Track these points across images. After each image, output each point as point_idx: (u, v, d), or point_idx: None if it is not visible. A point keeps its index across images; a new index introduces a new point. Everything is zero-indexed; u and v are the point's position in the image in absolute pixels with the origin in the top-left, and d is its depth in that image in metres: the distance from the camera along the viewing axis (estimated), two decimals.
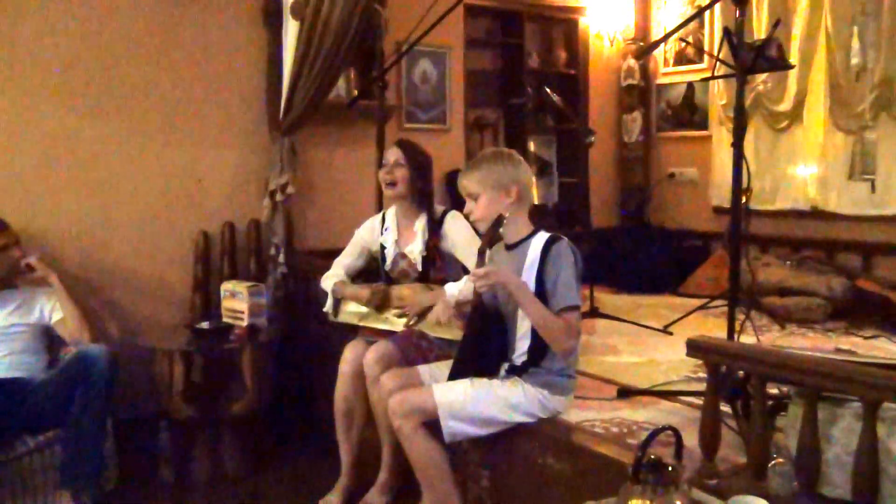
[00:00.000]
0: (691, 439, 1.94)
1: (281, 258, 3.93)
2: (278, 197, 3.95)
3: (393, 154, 3.02)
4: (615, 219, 5.80)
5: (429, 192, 3.04)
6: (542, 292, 2.31)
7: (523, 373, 2.40)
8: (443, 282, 2.88)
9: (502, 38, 5.30)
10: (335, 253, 3.28)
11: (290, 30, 3.83)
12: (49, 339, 3.09)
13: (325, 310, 3.16)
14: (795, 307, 3.98)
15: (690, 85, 5.44)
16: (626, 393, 2.75)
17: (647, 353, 3.38)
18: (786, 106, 4.74)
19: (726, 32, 2.67)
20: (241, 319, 3.46)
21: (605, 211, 5.68)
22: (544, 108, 5.45)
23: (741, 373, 2.08)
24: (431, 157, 3.09)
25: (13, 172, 3.50)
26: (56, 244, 3.56)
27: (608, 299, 4.54)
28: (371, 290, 2.99)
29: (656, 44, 3.95)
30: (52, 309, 3.05)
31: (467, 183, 2.43)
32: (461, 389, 2.39)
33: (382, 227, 3.13)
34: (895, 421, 1.70)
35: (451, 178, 4.58)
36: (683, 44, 5.32)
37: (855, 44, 4.21)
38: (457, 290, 2.74)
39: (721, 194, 5.06)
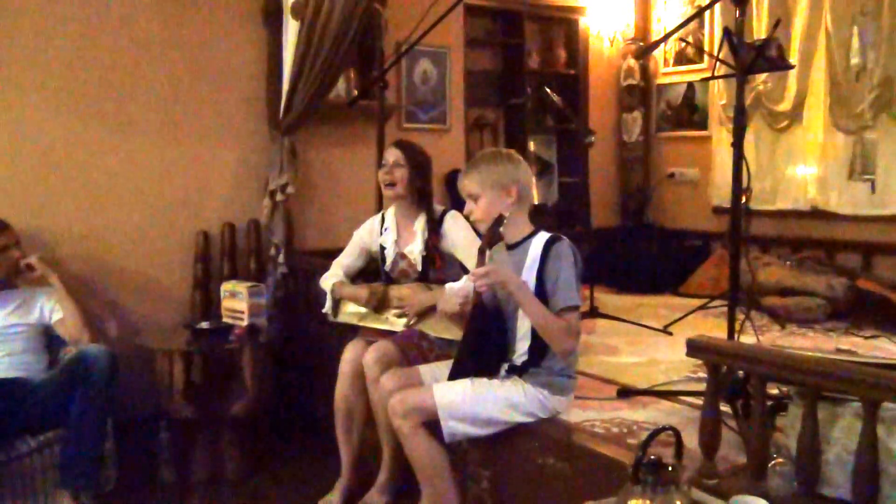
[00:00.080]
0: (691, 439, 1.94)
1: (281, 258, 3.93)
2: (278, 197, 3.95)
3: (392, 154, 3.02)
4: (615, 219, 5.80)
5: (428, 193, 3.04)
6: (542, 292, 2.31)
7: (523, 373, 2.40)
8: (442, 282, 2.88)
9: (502, 38, 5.30)
10: (335, 253, 3.29)
11: (290, 30, 3.83)
12: (49, 339, 3.09)
13: (324, 310, 3.16)
14: (795, 307, 3.98)
15: (690, 85, 5.44)
16: (626, 393, 2.75)
17: (647, 353, 3.38)
18: (786, 106, 4.74)
19: (726, 32, 2.67)
20: (241, 319, 3.46)
21: (605, 211, 5.68)
22: (544, 108, 5.45)
23: (741, 373, 2.08)
24: (430, 157, 3.09)
25: (13, 172, 3.50)
26: (56, 244, 3.56)
27: (608, 299, 4.54)
28: (370, 291, 2.99)
29: (656, 44, 3.96)
30: (52, 309, 3.04)
31: (467, 183, 2.43)
32: (461, 389, 2.39)
33: (382, 227, 3.13)
34: (895, 421, 1.70)
35: (452, 178, 4.58)
36: (683, 44, 5.32)
37: (855, 44, 4.22)
38: (457, 289, 2.74)
39: (721, 194, 5.06)
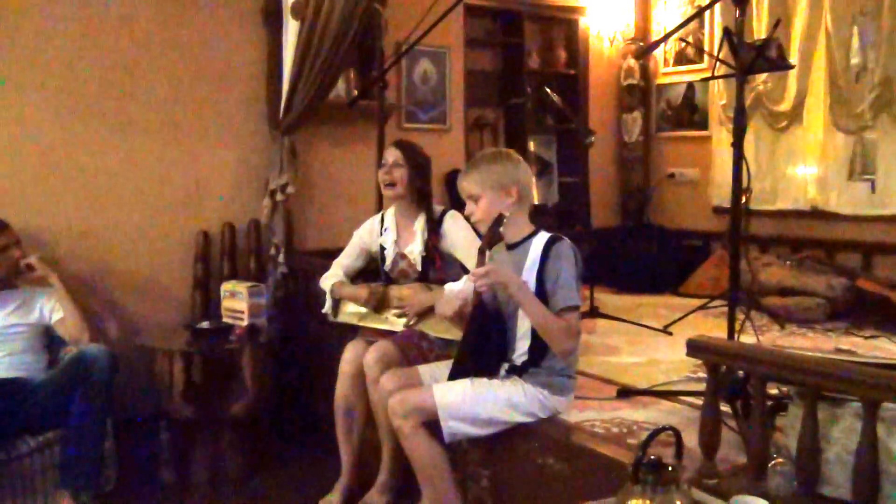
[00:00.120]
0: (691, 439, 1.94)
1: (281, 258, 3.93)
2: (278, 197, 3.95)
3: (391, 154, 3.02)
4: (615, 219, 5.80)
5: (428, 193, 3.04)
6: (542, 292, 2.31)
7: (523, 373, 2.40)
8: (442, 282, 2.88)
9: (502, 38, 5.30)
10: (335, 253, 3.29)
11: (290, 30, 3.83)
12: (49, 339, 3.09)
13: (324, 311, 3.16)
14: (795, 307, 3.98)
15: (690, 85, 5.44)
16: (626, 393, 2.75)
17: (647, 353, 3.38)
18: (786, 106, 4.74)
19: (726, 32, 2.68)
20: (241, 319, 3.46)
21: (605, 211, 5.68)
22: (544, 108, 5.45)
23: (741, 373, 2.08)
24: (430, 157, 3.09)
25: (13, 172, 3.50)
26: (56, 244, 3.56)
27: (608, 299, 4.54)
28: (369, 291, 2.99)
29: (656, 44, 3.96)
30: (52, 309, 3.04)
31: (467, 184, 2.43)
32: (461, 389, 2.38)
33: (382, 227, 3.13)
34: (895, 421, 1.70)
35: (452, 178, 4.58)
36: (683, 44, 5.32)
37: (855, 44, 4.22)
38: (456, 289, 2.74)
39: (721, 194, 5.06)
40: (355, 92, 4.11)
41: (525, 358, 2.41)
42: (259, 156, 4.07)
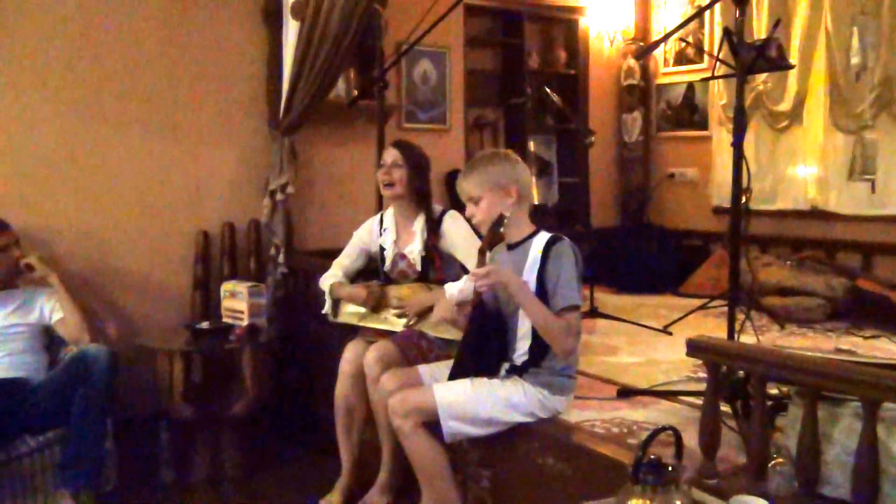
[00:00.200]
0: (691, 439, 1.94)
1: (281, 258, 3.93)
2: (278, 197, 3.95)
3: (390, 155, 3.02)
4: (615, 219, 5.80)
5: (427, 193, 3.04)
6: (542, 292, 2.31)
7: (523, 373, 2.40)
8: (442, 282, 2.88)
9: (502, 38, 5.30)
10: (335, 253, 3.28)
11: (291, 30, 3.83)
12: (49, 339, 3.09)
13: (324, 311, 3.15)
14: (795, 307, 3.98)
15: (690, 85, 5.44)
16: (626, 393, 2.75)
17: (647, 353, 3.38)
18: (786, 106, 4.74)
19: (726, 32, 2.67)
20: (241, 319, 3.46)
21: (605, 211, 5.68)
22: (544, 108, 5.45)
23: (741, 373, 2.08)
24: (429, 157, 3.09)
25: (13, 172, 3.50)
26: (56, 244, 3.56)
27: (608, 299, 4.54)
28: (367, 291, 2.99)
29: (656, 44, 3.95)
30: (52, 309, 3.04)
31: (467, 186, 2.43)
32: (461, 389, 2.38)
33: (381, 228, 3.13)
34: (895, 421, 1.70)
35: (452, 178, 4.58)
36: (683, 44, 5.32)
37: (855, 44, 4.21)
38: (456, 290, 2.74)
39: (721, 194, 5.06)
40: (355, 92, 4.11)
41: (525, 358, 2.40)
42: (259, 156, 4.07)
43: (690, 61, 5.43)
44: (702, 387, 2.11)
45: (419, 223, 3.01)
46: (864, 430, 1.66)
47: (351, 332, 3.11)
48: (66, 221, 3.62)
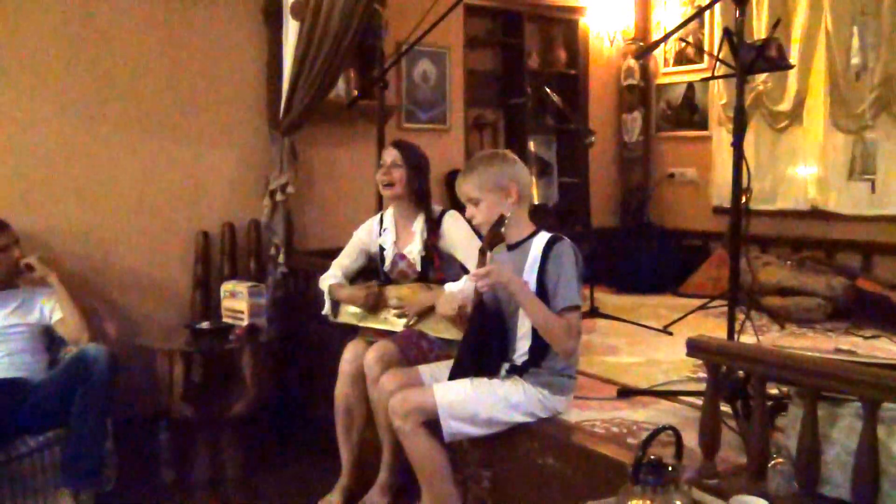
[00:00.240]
0: (691, 439, 1.94)
1: (281, 258, 3.93)
2: (278, 197, 3.95)
3: (390, 155, 3.02)
4: (615, 219, 5.80)
5: (426, 193, 3.03)
6: (542, 292, 2.31)
7: (524, 373, 2.40)
8: (442, 282, 2.88)
9: (502, 38, 5.30)
10: (335, 253, 3.28)
11: (291, 30, 3.83)
12: (49, 339, 3.09)
13: (323, 312, 3.15)
14: (795, 307, 3.98)
15: (690, 85, 5.44)
16: (626, 393, 2.75)
17: (647, 353, 3.38)
18: (786, 106, 4.74)
19: (726, 32, 2.68)
20: (241, 319, 3.46)
21: (605, 211, 5.68)
22: (544, 108, 5.45)
23: (741, 373, 2.08)
24: (428, 157, 3.09)
25: (13, 173, 3.50)
26: (56, 244, 3.56)
27: (608, 299, 4.54)
28: (366, 292, 2.99)
29: (656, 44, 3.96)
30: (52, 309, 3.04)
31: (466, 188, 2.43)
32: (461, 389, 2.39)
33: (381, 228, 3.12)
34: (895, 421, 1.70)
35: (451, 178, 4.58)
36: (683, 44, 5.32)
37: (855, 44, 4.21)
38: (456, 290, 2.74)
39: (721, 194, 5.07)
40: (355, 92, 4.12)
41: (525, 358, 2.41)
42: (259, 156, 4.07)
43: (690, 61, 5.43)
44: (702, 387, 2.11)
45: (419, 223, 3.01)
46: (864, 430, 1.66)
47: (351, 332, 3.11)
48: (66, 221, 3.61)
